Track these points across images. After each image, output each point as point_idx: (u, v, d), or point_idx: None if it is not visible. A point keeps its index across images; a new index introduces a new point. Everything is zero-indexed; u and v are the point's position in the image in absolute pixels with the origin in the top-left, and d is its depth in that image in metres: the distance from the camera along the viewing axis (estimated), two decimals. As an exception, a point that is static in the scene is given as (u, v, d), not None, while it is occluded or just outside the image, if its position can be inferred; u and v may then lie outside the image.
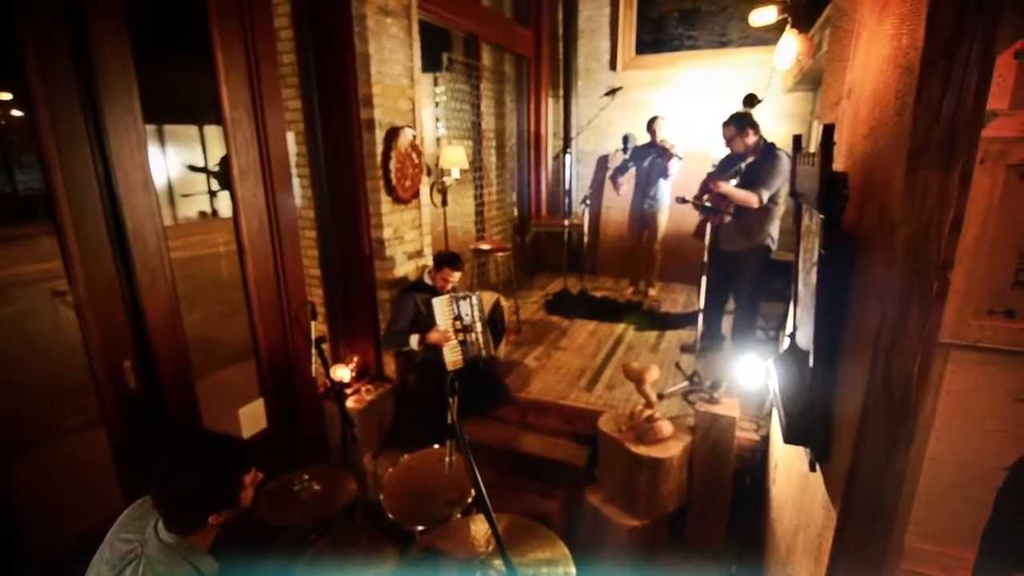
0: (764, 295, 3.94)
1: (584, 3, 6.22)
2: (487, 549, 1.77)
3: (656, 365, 2.75)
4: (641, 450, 2.62)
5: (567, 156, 6.27)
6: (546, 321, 4.96)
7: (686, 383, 3.42)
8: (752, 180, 3.53)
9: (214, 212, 4.21)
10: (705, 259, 3.76)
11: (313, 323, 2.49)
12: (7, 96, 2.35)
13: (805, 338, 1.54)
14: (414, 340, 3.25)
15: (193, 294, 2.92)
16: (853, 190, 1.35)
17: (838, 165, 1.65)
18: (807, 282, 1.52)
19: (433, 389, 3.23)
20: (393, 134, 3.29)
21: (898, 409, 1.05)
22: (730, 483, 2.73)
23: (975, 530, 1.05)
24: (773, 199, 3.54)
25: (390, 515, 1.99)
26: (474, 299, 3.43)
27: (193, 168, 4.09)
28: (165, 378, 2.40)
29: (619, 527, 2.65)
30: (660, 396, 3.13)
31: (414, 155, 3.47)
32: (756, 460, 2.85)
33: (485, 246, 4.75)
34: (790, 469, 2.05)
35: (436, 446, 2.44)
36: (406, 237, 3.58)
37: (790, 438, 1.50)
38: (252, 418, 2.93)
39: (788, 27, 3.80)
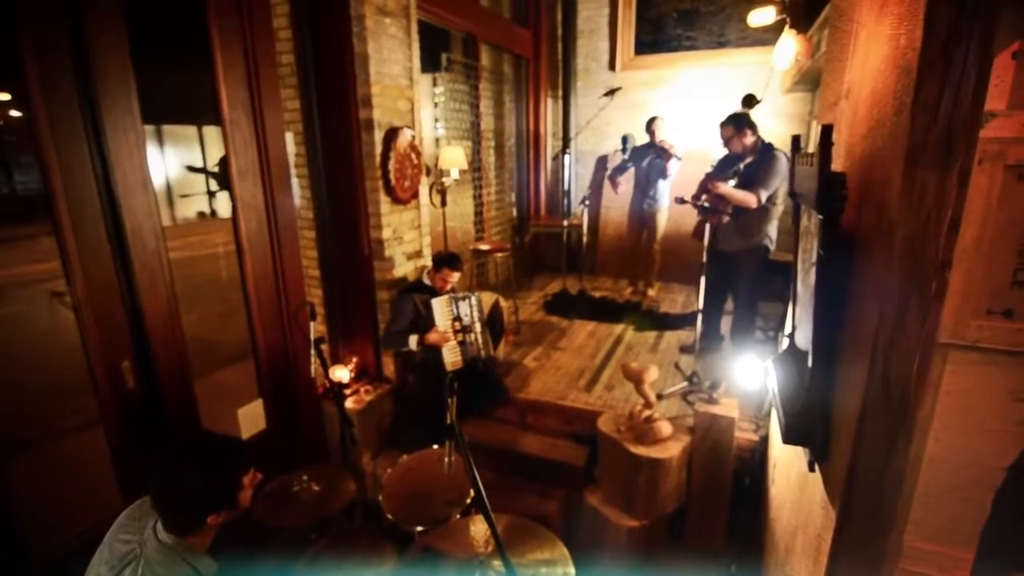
0: (763, 295, 3.94)
1: (583, 3, 6.23)
2: (486, 550, 1.77)
3: (655, 365, 2.75)
4: (640, 450, 2.62)
5: (566, 156, 6.27)
6: (545, 321, 4.96)
7: (685, 383, 3.42)
8: (750, 180, 3.54)
9: (213, 212, 4.21)
10: (704, 259, 3.76)
11: (312, 323, 2.48)
12: (5, 96, 2.35)
13: (804, 338, 1.55)
14: (413, 340, 3.25)
15: (192, 294, 2.92)
16: (852, 190, 1.35)
17: (837, 165, 1.66)
18: (806, 282, 1.52)
19: (432, 390, 3.23)
20: (392, 134, 3.29)
21: (897, 409, 1.05)
22: (729, 483, 2.74)
23: (974, 530, 1.05)
24: (771, 199, 3.54)
25: (389, 516, 1.99)
26: (473, 299, 3.43)
27: (192, 169, 4.09)
28: (164, 378, 2.40)
29: (618, 527, 2.65)
30: (659, 396, 3.13)
31: (413, 155, 3.47)
32: (755, 460, 2.85)
33: (484, 246, 4.74)
34: (789, 469, 2.05)
35: (435, 447, 2.44)
36: (405, 237, 3.58)
37: (789, 438, 1.51)
38: (251, 418, 2.93)
39: (786, 28, 3.80)
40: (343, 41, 3.07)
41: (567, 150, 6.27)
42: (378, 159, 3.24)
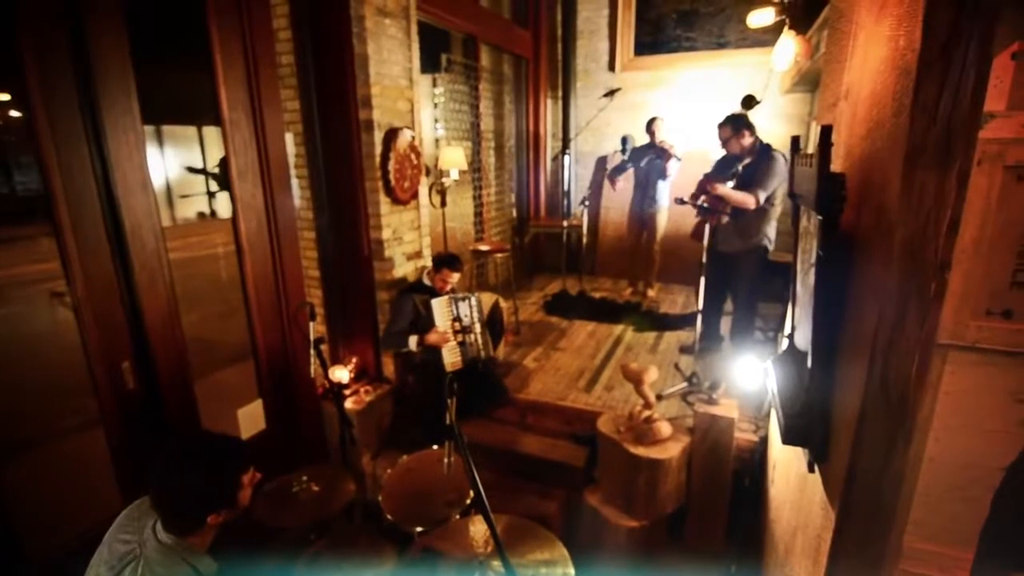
0: (762, 296, 3.94)
1: (583, 4, 6.23)
2: (486, 550, 1.77)
3: (655, 366, 2.76)
4: (640, 451, 2.62)
5: (566, 157, 6.27)
6: (545, 322, 4.96)
7: (685, 384, 3.42)
8: (748, 181, 3.54)
9: (213, 213, 4.20)
10: (704, 260, 3.77)
11: (312, 324, 2.48)
12: (5, 97, 2.34)
13: (803, 339, 1.55)
14: (413, 341, 3.25)
15: (192, 295, 2.92)
16: (851, 191, 1.35)
17: (836, 166, 1.66)
18: (805, 283, 1.52)
19: (432, 390, 3.23)
20: (392, 135, 3.29)
21: (896, 410, 1.05)
22: (729, 484, 2.74)
23: (974, 530, 1.05)
24: (770, 200, 3.55)
25: (389, 516, 1.99)
26: (473, 300, 3.43)
27: (191, 170, 4.08)
28: (164, 379, 2.40)
29: (618, 528, 2.65)
30: (659, 397, 3.13)
31: (413, 156, 3.47)
32: (755, 461, 2.85)
33: (484, 247, 4.74)
34: (789, 470, 2.05)
35: (435, 447, 2.44)
36: (405, 238, 3.58)
37: (789, 439, 1.51)
38: (251, 419, 2.93)
39: (786, 29, 3.80)
40: (343, 42, 3.07)
41: (567, 151, 6.28)
42: (378, 160, 3.24)
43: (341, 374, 3.32)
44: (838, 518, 1.22)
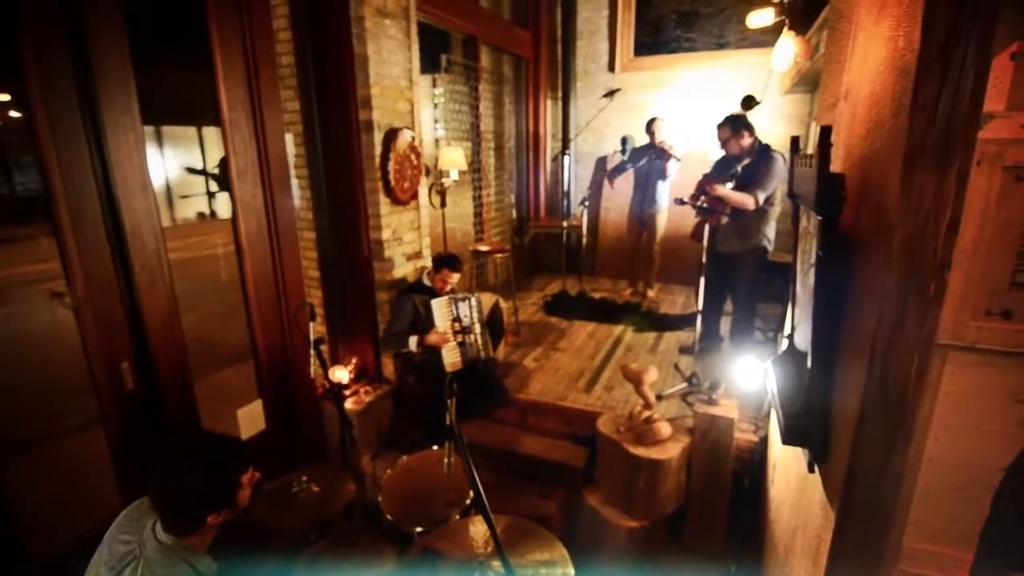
0: (762, 296, 3.94)
1: (582, 5, 6.23)
2: (486, 550, 1.77)
3: (655, 366, 2.76)
4: (640, 451, 2.62)
5: (566, 157, 6.27)
6: (545, 322, 4.96)
7: (685, 384, 3.42)
8: (747, 182, 3.54)
9: (212, 213, 4.21)
10: (703, 260, 3.77)
11: (312, 324, 2.48)
12: (5, 97, 2.35)
13: (803, 339, 1.55)
14: (413, 341, 3.25)
15: (192, 295, 2.92)
16: (851, 192, 1.35)
17: (835, 167, 1.66)
18: (805, 283, 1.52)
19: (432, 390, 3.23)
20: (392, 135, 3.29)
21: (896, 410, 1.05)
22: (729, 484, 2.74)
23: (973, 531, 1.05)
24: (769, 200, 3.55)
25: (389, 516, 1.99)
26: (473, 300, 3.43)
27: (191, 170, 4.09)
28: (163, 379, 2.40)
29: (618, 528, 2.65)
30: (659, 397, 3.13)
31: (413, 156, 3.47)
32: (755, 461, 2.85)
33: (484, 247, 4.74)
34: (788, 470, 2.05)
35: (435, 447, 2.44)
36: (405, 238, 3.58)
37: (788, 439, 1.51)
38: (250, 419, 2.93)
39: (785, 29, 3.81)
40: (343, 42, 3.07)
41: (566, 151, 6.28)
42: (378, 160, 3.24)
43: (341, 374, 3.32)
44: (838, 518, 1.22)
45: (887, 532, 1.12)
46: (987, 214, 0.94)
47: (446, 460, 1.64)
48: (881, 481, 1.10)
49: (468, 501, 2.00)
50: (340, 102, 3.17)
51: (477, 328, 3.43)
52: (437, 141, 4.71)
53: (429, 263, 3.72)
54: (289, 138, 3.16)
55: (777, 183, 3.49)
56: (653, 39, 6.14)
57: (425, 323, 3.28)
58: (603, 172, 6.26)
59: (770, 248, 3.71)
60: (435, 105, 4.72)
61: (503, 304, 3.94)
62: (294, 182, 3.15)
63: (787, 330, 2.06)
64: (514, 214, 6.44)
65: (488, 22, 5.22)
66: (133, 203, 2.22)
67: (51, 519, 2.22)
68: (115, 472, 2.27)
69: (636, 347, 4.35)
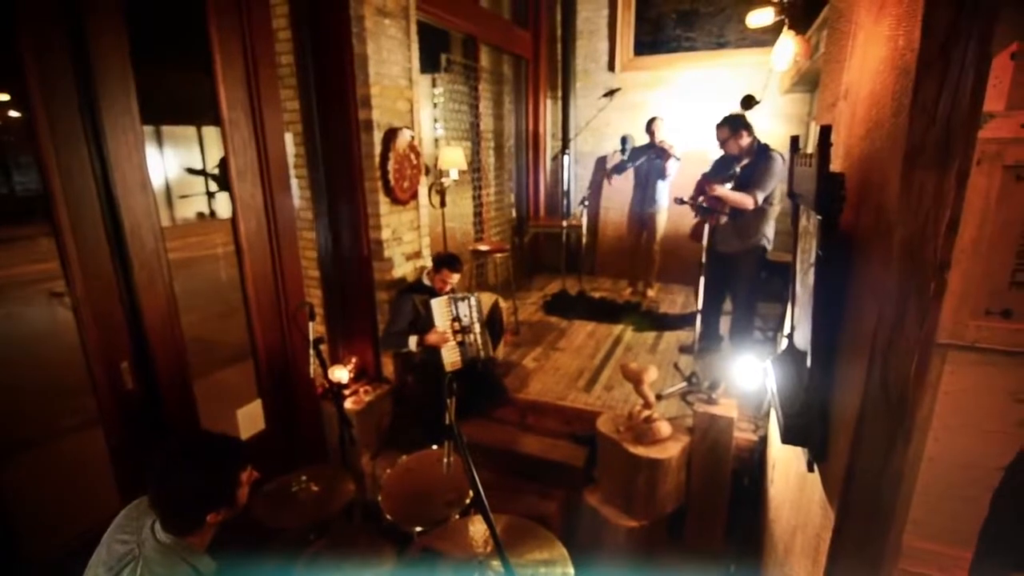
0: (761, 295, 3.95)
1: (582, 4, 6.23)
2: (485, 550, 1.77)
3: (654, 366, 2.76)
4: (639, 451, 2.62)
5: (565, 157, 6.28)
6: (544, 322, 4.96)
7: (684, 384, 3.42)
8: (746, 182, 3.54)
9: (212, 213, 4.20)
10: (703, 260, 3.77)
11: (311, 324, 2.48)
12: (5, 97, 2.34)
13: (803, 339, 1.55)
14: (412, 341, 3.25)
15: (191, 295, 2.91)
16: (850, 191, 1.35)
17: (835, 166, 1.66)
18: (805, 283, 1.52)
19: (431, 390, 3.23)
20: (391, 135, 3.29)
21: (895, 409, 1.05)
22: (728, 483, 2.74)
23: (973, 530, 1.05)
24: (768, 200, 3.55)
25: (388, 516, 1.99)
26: (472, 300, 3.43)
27: (191, 171, 4.08)
28: (163, 379, 2.40)
29: (617, 528, 2.65)
30: (658, 397, 3.13)
31: (412, 156, 3.47)
32: (754, 460, 2.85)
33: (483, 247, 4.75)
34: (788, 469, 2.05)
35: (434, 447, 2.44)
36: (404, 238, 3.58)
37: (788, 438, 1.51)
38: (250, 419, 2.92)
39: (785, 29, 3.81)
40: (342, 42, 3.07)
41: (566, 151, 6.28)
42: (377, 160, 3.24)
43: (340, 374, 3.32)
44: (837, 517, 1.22)
45: (886, 531, 1.12)
46: (987, 213, 0.94)
47: (445, 460, 1.64)
48: (881, 480, 1.10)
49: (468, 501, 2.00)
50: (340, 101, 3.16)
51: (477, 328, 3.43)
52: (437, 141, 4.71)
53: (429, 263, 3.72)
54: (289, 138, 3.16)
55: (776, 183, 3.49)
56: (653, 38, 6.14)
57: (425, 323, 3.28)
58: (603, 172, 6.26)
59: (769, 247, 3.71)
60: (435, 105, 4.72)
61: (503, 304, 3.94)
62: (294, 182, 3.15)
63: (787, 329, 2.06)
64: (514, 214, 6.44)
65: (488, 22, 5.22)
66: (132, 203, 2.22)
67: (51, 519, 2.22)
68: (114, 472, 2.26)
69: (636, 346, 4.35)
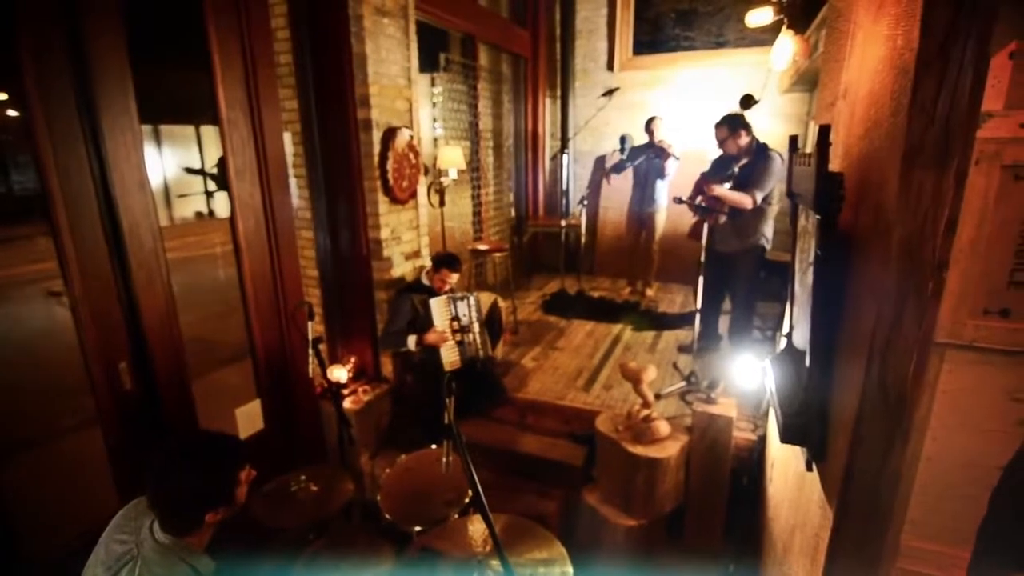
0: (760, 295, 3.95)
1: (581, 4, 6.23)
2: (484, 549, 1.77)
3: (653, 365, 2.76)
4: (638, 450, 2.62)
5: (564, 156, 6.27)
6: (543, 321, 4.96)
7: (683, 383, 3.43)
8: (745, 181, 3.54)
9: (211, 212, 4.20)
10: (702, 259, 3.77)
11: (310, 323, 2.48)
12: (3, 96, 2.34)
13: (802, 338, 1.55)
14: (411, 341, 3.24)
15: (190, 294, 2.91)
16: (849, 191, 1.35)
17: (834, 166, 1.66)
18: (803, 282, 1.53)
19: (430, 390, 3.23)
20: (390, 134, 3.29)
21: (894, 409, 1.05)
22: (727, 483, 2.74)
23: (971, 529, 1.05)
24: (767, 199, 3.55)
25: (387, 516, 1.99)
26: (471, 299, 3.43)
27: (189, 170, 4.08)
28: (161, 378, 2.39)
29: (616, 527, 2.65)
30: (657, 396, 3.13)
31: (411, 155, 3.47)
32: (753, 460, 2.85)
33: (483, 246, 4.74)
34: (787, 469, 2.05)
35: (433, 446, 2.44)
36: (403, 237, 3.58)
37: (787, 438, 1.51)
38: (249, 419, 2.92)
39: (784, 28, 3.81)
40: (341, 41, 3.06)
41: (565, 150, 6.28)
42: (376, 159, 3.24)
43: (339, 374, 3.32)
44: (836, 517, 1.22)
45: (885, 530, 1.12)
46: (985, 213, 0.94)
47: (445, 459, 1.64)
48: (879, 480, 1.10)
49: (467, 500, 2.00)
50: (338, 101, 3.16)
51: (476, 327, 3.43)
52: (436, 140, 4.71)
53: (428, 262, 3.72)
54: (287, 137, 3.16)
55: (775, 182, 3.49)
56: (652, 38, 6.14)
57: (424, 322, 3.28)
58: (602, 171, 6.26)
59: (768, 247, 3.71)
60: (434, 104, 4.71)
61: (502, 303, 3.94)
62: (292, 181, 3.15)
63: (785, 329, 2.06)
64: (513, 213, 6.44)
65: (487, 21, 5.21)
66: (131, 202, 2.22)
67: (51, 519, 2.22)
68: (112, 472, 2.26)
69: (635, 346, 4.35)
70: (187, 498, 1.38)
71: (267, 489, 2.14)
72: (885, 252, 1.04)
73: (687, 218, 4.01)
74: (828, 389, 1.42)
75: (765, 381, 1.93)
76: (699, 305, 3.87)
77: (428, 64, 4.46)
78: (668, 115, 5.44)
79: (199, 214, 4.30)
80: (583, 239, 5.59)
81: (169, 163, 4.07)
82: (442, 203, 4.36)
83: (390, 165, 3.27)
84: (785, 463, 2.10)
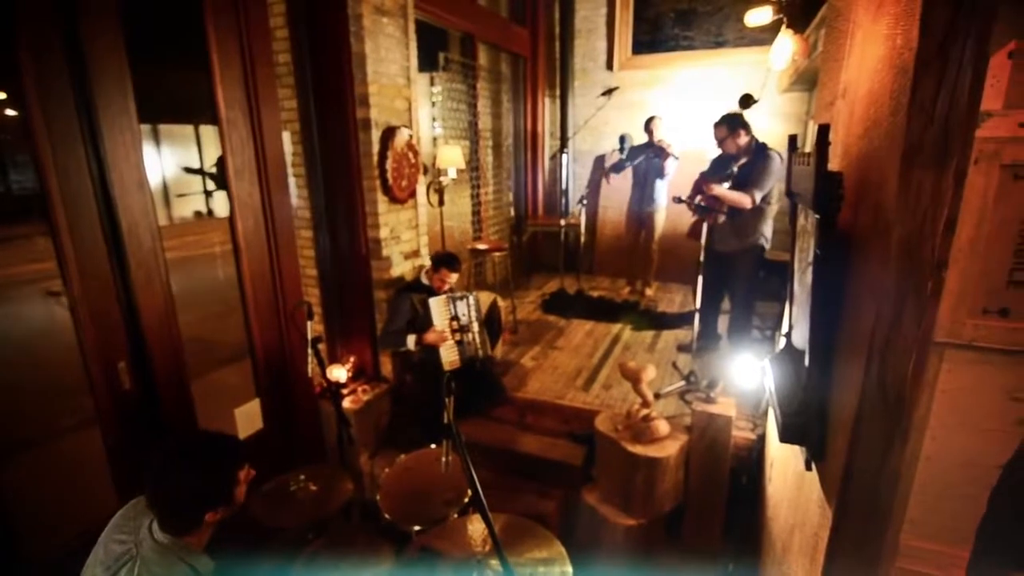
0: (759, 294, 3.95)
1: (581, 3, 6.23)
2: (484, 549, 1.77)
3: (653, 364, 2.76)
4: (638, 449, 2.62)
5: (564, 156, 6.27)
6: (543, 321, 4.96)
7: (683, 382, 3.43)
8: (744, 181, 3.54)
9: (210, 212, 4.19)
10: (701, 259, 3.77)
11: (309, 323, 2.48)
12: (2, 96, 2.33)
13: (801, 338, 1.55)
14: (411, 340, 3.24)
15: (189, 294, 2.90)
16: (848, 190, 1.35)
17: (833, 165, 1.66)
18: (803, 282, 1.53)
19: (430, 389, 3.22)
20: (389, 134, 3.29)
21: (893, 408, 1.05)
22: (726, 482, 2.74)
23: (971, 528, 1.05)
24: (766, 199, 3.55)
25: (387, 515, 1.99)
26: (471, 299, 3.43)
27: (188, 170, 4.07)
28: (160, 378, 2.39)
29: (616, 526, 2.65)
30: (657, 395, 3.13)
31: (410, 155, 3.47)
32: (752, 459, 2.85)
33: (482, 246, 4.74)
34: (786, 468, 2.05)
35: (433, 446, 2.44)
36: (403, 237, 3.58)
37: (786, 437, 1.51)
38: (248, 418, 2.92)
39: (783, 27, 3.81)
40: (340, 40, 3.06)
41: (565, 150, 6.27)
42: (375, 158, 3.24)
43: (339, 373, 3.32)
44: (835, 516, 1.22)
45: (884, 530, 1.12)
46: (984, 212, 0.94)
47: (444, 459, 1.64)
48: (878, 479, 1.10)
49: (466, 500, 2.00)
50: (337, 100, 3.16)
51: (475, 327, 3.43)
52: (435, 139, 4.70)
53: (427, 262, 3.72)
54: (286, 136, 3.15)
55: (774, 182, 3.49)
56: (651, 37, 6.14)
57: (423, 322, 3.28)
58: (601, 171, 6.26)
59: (767, 246, 3.71)
60: (433, 103, 4.71)
61: (501, 303, 3.94)
62: (291, 180, 3.15)
63: (785, 328, 2.06)
64: (512, 212, 6.44)
65: (486, 20, 5.21)
66: (130, 202, 2.22)
67: (49, 519, 2.21)
68: (111, 472, 2.26)
69: (634, 345, 4.36)
70: (186, 498, 1.38)
71: (266, 489, 2.14)
72: (884, 251, 1.04)
73: (686, 218, 4.01)
74: (827, 388, 1.42)
75: (764, 380, 1.93)
76: (698, 305, 3.87)
77: (427, 63, 4.46)
78: (667, 115, 5.44)
79: (198, 214, 4.30)
80: (582, 238, 5.59)
81: (168, 163, 4.06)
82: (441, 202, 4.36)
83: (389, 164, 3.27)
84: (784, 462, 2.10)
